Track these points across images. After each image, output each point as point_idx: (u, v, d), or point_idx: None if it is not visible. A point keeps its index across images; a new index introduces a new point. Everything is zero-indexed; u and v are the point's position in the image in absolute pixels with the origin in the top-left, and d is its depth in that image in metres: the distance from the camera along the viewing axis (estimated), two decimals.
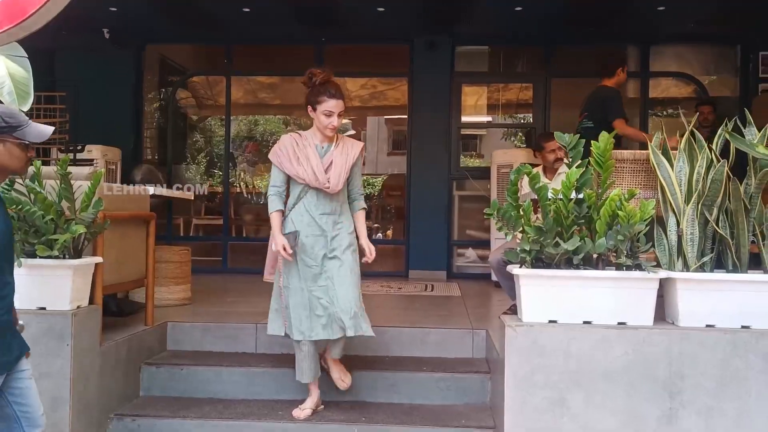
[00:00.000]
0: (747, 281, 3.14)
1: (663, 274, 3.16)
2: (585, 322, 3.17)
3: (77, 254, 3.49)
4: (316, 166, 3.52)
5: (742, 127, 3.28)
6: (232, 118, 8.79)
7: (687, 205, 3.18)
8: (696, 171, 3.17)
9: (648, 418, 3.12)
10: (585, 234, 3.21)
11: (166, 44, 8.68)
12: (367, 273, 7.37)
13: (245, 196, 9.86)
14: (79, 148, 6.81)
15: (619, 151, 3.62)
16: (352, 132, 11.63)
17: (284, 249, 3.43)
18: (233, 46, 8.40)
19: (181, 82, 9.29)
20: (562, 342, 3.16)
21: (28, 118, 2.36)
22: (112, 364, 3.77)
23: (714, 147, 3.24)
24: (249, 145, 11.98)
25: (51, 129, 2.38)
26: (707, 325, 3.14)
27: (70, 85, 7.03)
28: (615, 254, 3.17)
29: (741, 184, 3.19)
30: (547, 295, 3.19)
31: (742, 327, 3.12)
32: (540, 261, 3.22)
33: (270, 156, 3.64)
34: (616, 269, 3.18)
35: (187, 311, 5.11)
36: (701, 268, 3.19)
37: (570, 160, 3.24)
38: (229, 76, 8.49)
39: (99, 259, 3.63)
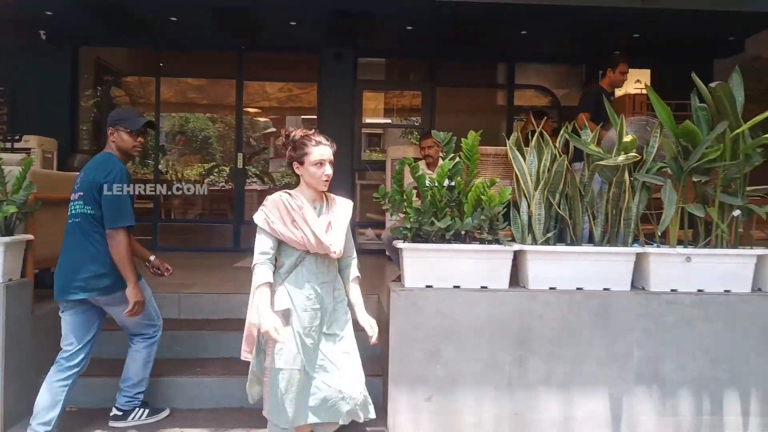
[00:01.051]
0: (581, 252, 3.31)
1: (516, 247, 3.28)
2: (455, 287, 3.25)
3: (9, 232, 3.26)
4: (318, 230, 2.66)
5: (579, 130, 3.45)
6: (164, 114, 8.42)
7: (536, 192, 3.30)
8: (542, 164, 3.29)
9: (504, 363, 3.24)
10: (455, 215, 3.28)
11: (100, 47, 8.19)
12: None
13: (173, 182, 9.49)
14: (16, 138, 6.36)
15: (484, 147, 3.72)
16: (273, 130, 11.41)
17: (275, 331, 2.51)
18: (163, 50, 8.05)
19: (115, 82, 8.82)
20: (436, 303, 3.23)
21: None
22: (44, 331, 3.56)
23: (557, 145, 3.39)
24: (180, 139, 11.59)
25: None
26: (550, 288, 3.29)
27: (8, 82, 6.52)
28: (479, 231, 3.26)
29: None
30: (424, 265, 3.25)
31: (577, 288, 3.29)
32: (419, 237, 3.27)
33: (256, 219, 2.68)
34: (480, 243, 3.27)
35: None
36: (546, 242, 3.34)
37: (444, 154, 3.31)
38: (158, 78, 8.12)
39: (30, 237, 3.41)
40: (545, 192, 3.31)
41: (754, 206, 3.34)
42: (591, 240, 3.44)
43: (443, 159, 3.30)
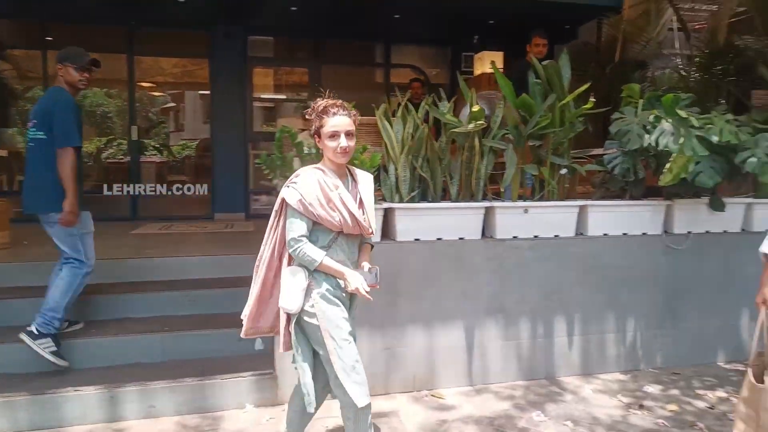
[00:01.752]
0: (440, 208, 3.44)
1: (386, 205, 3.35)
2: None
3: None
4: (355, 209, 2.24)
5: (438, 101, 3.54)
6: None
7: (401, 156, 3.37)
8: (406, 132, 3.36)
9: (377, 307, 3.32)
10: None
11: None
12: (176, 216, 7.05)
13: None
14: None
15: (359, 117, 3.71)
16: (172, 104, 10.69)
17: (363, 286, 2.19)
18: (49, 23, 7.22)
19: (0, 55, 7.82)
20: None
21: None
22: None
23: (419, 115, 3.46)
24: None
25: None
26: (415, 239, 3.40)
27: None
28: None
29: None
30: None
31: (437, 239, 3.43)
32: None
33: (289, 199, 2.17)
34: None
35: (7, 254, 4.45)
36: (412, 200, 3.43)
37: None
38: (45, 51, 7.30)
39: None
40: (409, 156, 3.38)
41: (577, 166, 3.63)
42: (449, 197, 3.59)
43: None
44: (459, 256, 3.44)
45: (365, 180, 2.38)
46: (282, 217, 2.26)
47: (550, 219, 3.57)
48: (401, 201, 3.40)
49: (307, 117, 2.32)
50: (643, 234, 3.73)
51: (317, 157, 3.15)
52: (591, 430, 2.95)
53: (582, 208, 3.63)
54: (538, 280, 3.56)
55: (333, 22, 7.22)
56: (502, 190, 3.55)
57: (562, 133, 3.51)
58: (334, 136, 2.20)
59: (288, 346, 2.30)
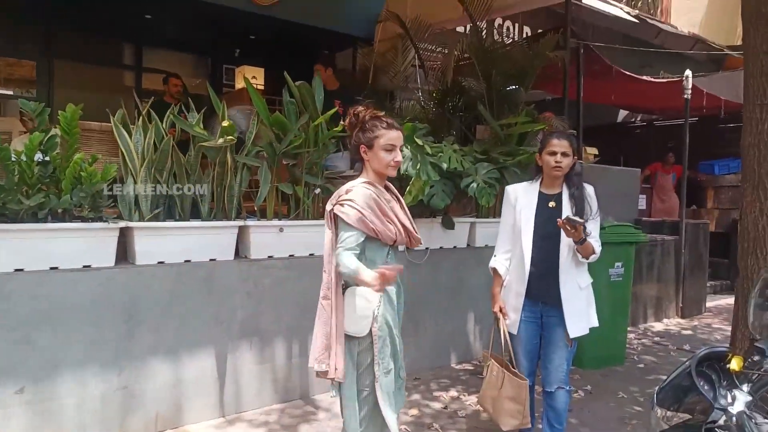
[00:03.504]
0: (188, 227, 3.18)
1: (122, 224, 2.97)
2: (52, 268, 2.76)
3: None
4: (406, 220, 2.24)
5: (186, 112, 3.30)
6: None
7: (142, 169, 3.04)
8: (147, 142, 3.04)
9: (111, 339, 2.92)
10: (53, 191, 2.78)
11: None
12: None
13: None
14: None
15: (88, 122, 3.25)
16: None
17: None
18: None
19: None
20: (30, 287, 2.69)
21: None
22: None
23: (164, 125, 3.17)
24: None
25: None
26: (159, 262, 3.08)
27: None
28: (80, 209, 2.83)
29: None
30: (14, 247, 2.66)
31: (185, 261, 3.16)
32: (5, 216, 2.66)
33: (348, 218, 2.05)
34: (82, 221, 2.85)
35: None
36: (156, 218, 3.11)
37: (36, 125, 2.75)
38: None
39: None
40: (152, 170, 3.07)
41: (330, 185, 3.74)
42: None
43: (33, 131, 2.74)
44: (210, 278, 3.23)
45: (395, 191, 2.34)
46: (336, 237, 2.15)
47: (306, 237, 3.60)
48: (141, 219, 3.05)
49: (349, 126, 2.22)
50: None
51: (27, 165, 2.63)
52: None
53: None
54: (294, 299, 3.54)
55: (69, 12, 6.27)
56: (255, 208, 3.45)
57: (316, 154, 3.59)
58: (390, 149, 2.15)
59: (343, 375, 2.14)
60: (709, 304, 6.71)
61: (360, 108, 2.22)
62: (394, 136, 2.17)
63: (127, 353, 2.96)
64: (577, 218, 2.44)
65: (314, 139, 3.56)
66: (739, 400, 1.65)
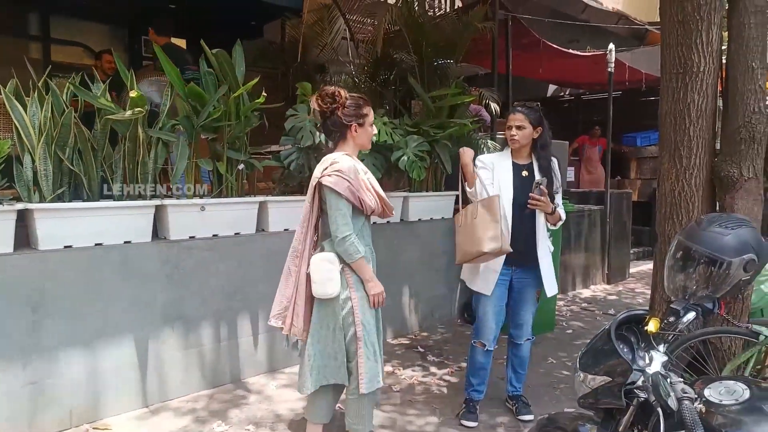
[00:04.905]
0: (98, 207, 2.95)
1: (20, 206, 2.70)
2: None
3: None
4: (381, 190, 2.46)
5: (90, 83, 3.03)
6: None
7: (39, 145, 2.76)
8: (44, 115, 2.76)
9: (14, 333, 2.67)
10: None
11: None
12: None
13: None
14: None
15: None
16: None
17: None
18: None
19: None
20: None
21: None
22: None
23: (65, 98, 2.89)
24: None
25: None
26: (66, 246, 2.84)
27: None
28: None
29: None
30: None
31: (96, 244, 2.93)
32: None
33: (338, 187, 2.24)
34: None
35: None
36: (59, 199, 2.86)
37: None
38: None
39: None
40: (53, 146, 2.80)
41: (255, 161, 3.58)
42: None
43: None
44: (126, 262, 3.01)
45: (363, 166, 2.48)
46: (317, 207, 2.38)
47: (230, 216, 3.43)
48: (43, 200, 2.79)
49: (325, 107, 2.34)
50: None
51: None
52: (272, 429, 2.92)
53: (262, 204, 3.59)
54: (219, 281, 3.38)
55: None
56: (172, 186, 3.24)
57: (237, 127, 3.40)
58: (374, 125, 2.45)
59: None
60: (632, 270, 7.04)
61: (332, 88, 2.36)
62: (373, 111, 2.47)
63: (35, 347, 2.73)
64: (542, 185, 2.75)
65: (235, 111, 3.37)
66: (656, 360, 1.68)
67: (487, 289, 2.91)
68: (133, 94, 2.85)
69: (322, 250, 2.38)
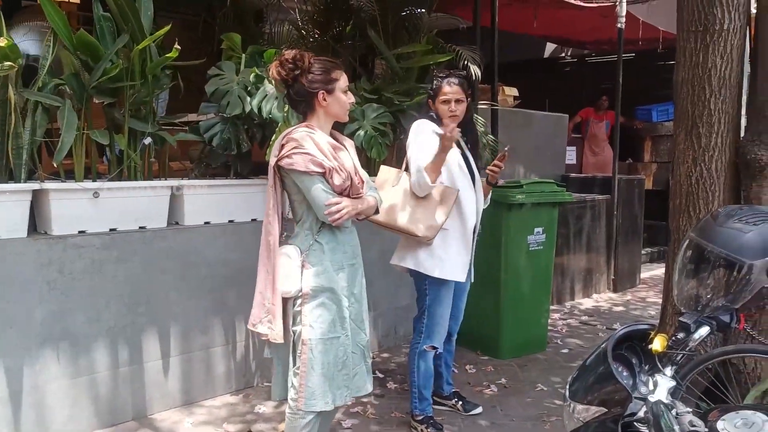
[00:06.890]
0: None
1: None
2: None
3: None
4: (355, 170, 2.56)
5: None
6: None
7: None
8: None
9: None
10: None
11: None
12: None
13: None
14: None
15: None
16: None
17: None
18: None
19: None
20: None
21: None
22: None
23: None
24: None
25: None
26: None
27: None
28: None
29: None
30: None
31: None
32: None
33: (298, 165, 2.38)
34: None
35: None
36: None
37: None
38: None
39: None
40: None
41: (166, 134, 3.52)
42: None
43: None
44: None
45: (349, 142, 2.68)
46: (279, 193, 2.54)
47: (133, 205, 3.37)
48: None
49: (286, 75, 2.43)
50: (253, 220, 3.88)
51: None
52: None
53: (175, 189, 3.54)
54: (118, 289, 3.33)
55: None
56: (55, 164, 3.16)
57: (143, 90, 3.34)
58: (347, 90, 2.53)
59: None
60: (644, 275, 7.25)
61: (293, 52, 2.46)
62: (345, 76, 2.56)
63: None
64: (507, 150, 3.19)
65: (140, 69, 3.31)
66: (661, 386, 1.72)
67: (461, 275, 3.16)
68: (1, 42, 2.75)
69: (286, 241, 2.57)
